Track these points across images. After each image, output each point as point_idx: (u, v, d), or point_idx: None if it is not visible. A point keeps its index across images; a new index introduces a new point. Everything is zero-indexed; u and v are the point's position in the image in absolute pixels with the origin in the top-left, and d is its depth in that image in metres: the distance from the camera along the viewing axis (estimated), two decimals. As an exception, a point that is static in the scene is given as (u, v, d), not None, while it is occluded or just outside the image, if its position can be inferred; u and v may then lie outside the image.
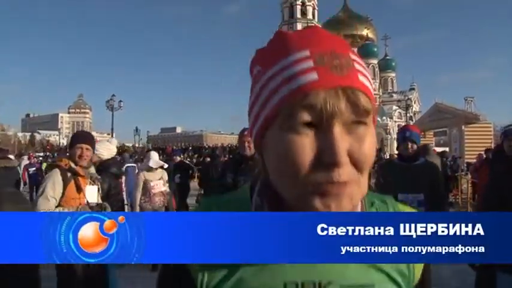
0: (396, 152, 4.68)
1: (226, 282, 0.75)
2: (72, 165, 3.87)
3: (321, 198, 0.68)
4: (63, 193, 3.78)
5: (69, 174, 3.82)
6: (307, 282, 0.74)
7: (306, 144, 0.64)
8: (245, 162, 4.24)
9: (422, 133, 32.47)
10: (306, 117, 0.63)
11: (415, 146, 4.11)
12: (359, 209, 0.80)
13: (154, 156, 7.05)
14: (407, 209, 0.91)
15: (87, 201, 3.92)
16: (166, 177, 7.06)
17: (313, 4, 75.16)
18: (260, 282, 0.74)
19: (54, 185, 3.73)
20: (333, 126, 0.63)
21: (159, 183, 6.74)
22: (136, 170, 8.38)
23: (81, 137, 4.14)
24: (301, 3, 73.82)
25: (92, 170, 4.16)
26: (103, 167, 5.16)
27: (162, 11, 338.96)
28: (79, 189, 3.86)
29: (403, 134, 4.20)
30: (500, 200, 2.65)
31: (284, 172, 0.68)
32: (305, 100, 0.63)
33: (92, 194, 4.02)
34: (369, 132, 0.67)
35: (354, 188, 0.68)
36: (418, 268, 0.84)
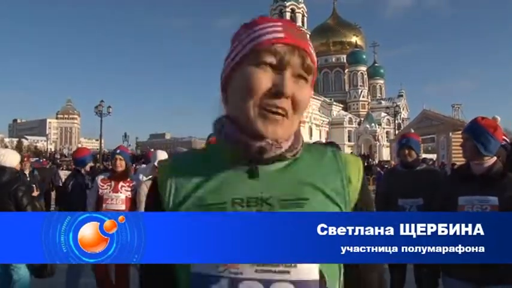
0: (384, 157, 4.78)
1: (188, 200, 0.90)
2: None
3: (263, 121, 0.87)
4: None
5: None
6: (251, 198, 0.88)
7: (264, 77, 0.86)
8: None
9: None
10: (270, 59, 0.87)
11: (412, 153, 4.15)
12: (291, 141, 0.94)
13: (162, 156, 5.17)
14: (353, 157, 1.00)
15: None
16: None
17: (302, 11, 75.41)
18: (214, 199, 0.88)
19: None
20: (286, 70, 0.87)
21: None
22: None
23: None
24: (290, 10, 74.00)
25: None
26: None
27: (154, 20, 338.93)
28: None
29: (401, 141, 4.29)
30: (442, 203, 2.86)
31: (243, 97, 0.88)
32: (272, 48, 0.87)
33: None
34: (307, 87, 0.91)
35: (287, 121, 0.89)
36: (353, 188, 0.95)
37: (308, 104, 0.92)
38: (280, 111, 0.87)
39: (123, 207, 4.79)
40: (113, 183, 4.86)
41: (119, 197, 4.82)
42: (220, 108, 0.98)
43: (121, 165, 4.97)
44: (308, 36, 0.94)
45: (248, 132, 0.88)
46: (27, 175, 9.63)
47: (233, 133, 0.91)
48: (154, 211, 0.91)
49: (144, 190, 4.42)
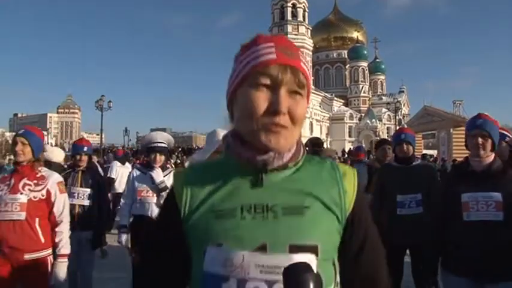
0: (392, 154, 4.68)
1: (201, 207, 0.98)
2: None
3: (265, 134, 0.94)
4: None
5: None
6: (258, 205, 0.95)
7: (261, 97, 0.94)
8: None
9: (411, 136, 32.55)
10: (265, 80, 0.95)
11: (410, 148, 4.11)
12: (293, 151, 1.00)
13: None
14: (348, 168, 1.06)
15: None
16: None
17: (303, 6, 74.90)
18: (225, 206, 0.96)
19: None
20: (280, 89, 0.94)
21: None
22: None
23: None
24: (291, 5, 73.54)
25: None
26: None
27: (156, 15, 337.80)
28: None
29: (399, 136, 4.24)
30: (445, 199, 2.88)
31: (245, 116, 0.96)
32: (266, 70, 0.95)
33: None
34: (303, 101, 0.99)
35: (288, 132, 0.96)
36: (349, 198, 1.01)
37: (305, 116, 0.99)
38: (279, 127, 0.94)
39: (22, 216, 3.08)
40: (13, 180, 3.17)
41: (17, 201, 3.08)
42: (227, 124, 1.07)
43: (23, 152, 3.18)
44: (299, 52, 1.01)
45: (253, 146, 0.97)
46: None
47: (238, 149, 1.00)
48: (168, 219, 1.04)
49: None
